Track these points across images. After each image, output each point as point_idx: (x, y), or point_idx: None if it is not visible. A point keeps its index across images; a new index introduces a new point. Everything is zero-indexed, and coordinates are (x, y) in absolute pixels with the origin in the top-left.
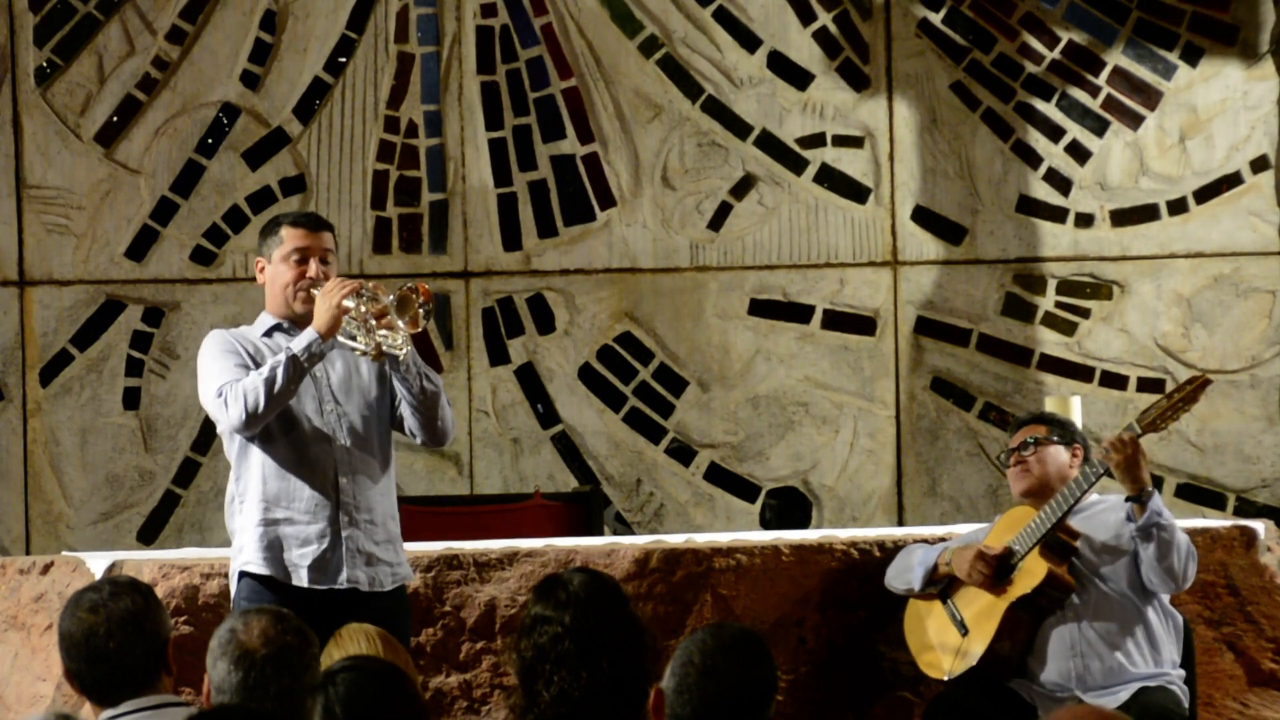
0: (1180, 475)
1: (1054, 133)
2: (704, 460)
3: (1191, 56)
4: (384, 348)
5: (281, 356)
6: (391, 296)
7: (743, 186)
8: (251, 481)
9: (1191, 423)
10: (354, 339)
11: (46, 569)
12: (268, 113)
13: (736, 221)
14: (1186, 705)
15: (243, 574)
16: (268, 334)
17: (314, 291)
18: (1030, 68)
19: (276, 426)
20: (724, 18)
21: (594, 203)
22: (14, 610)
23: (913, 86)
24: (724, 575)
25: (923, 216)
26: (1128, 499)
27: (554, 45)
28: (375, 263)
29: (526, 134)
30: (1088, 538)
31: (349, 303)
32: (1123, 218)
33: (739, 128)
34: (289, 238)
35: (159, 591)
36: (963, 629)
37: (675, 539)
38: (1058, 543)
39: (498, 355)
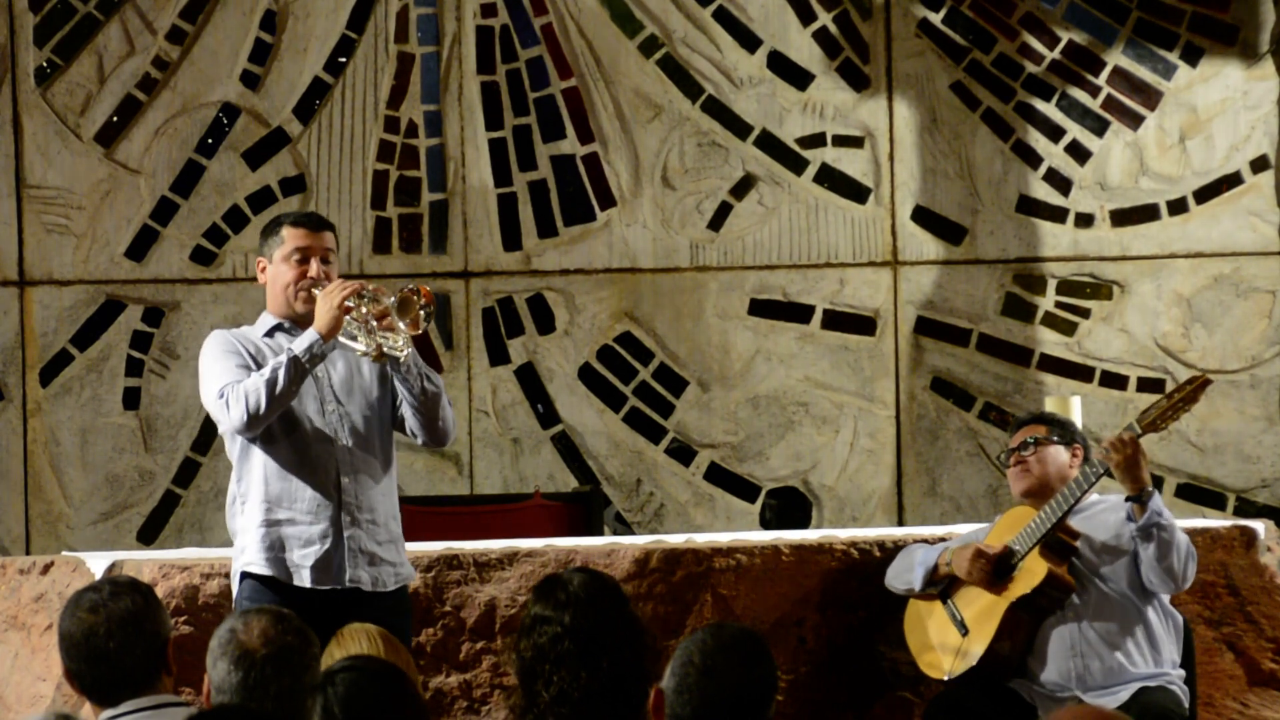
0: (1180, 475)
1: (1054, 133)
2: (704, 460)
3: (1191, 56)
4: (385, 349)
5: (283, 358)
6: (393, 298)
7: (743, 186)
8: (253, 482)
9: (1191, 423)
10: (355, 339)
11: (46, 569)
12: (268, 113)
13: (736, 221)
14: (1186, 705)
15: (245, 574)
16: (269, 334)
17: (315, 291)
18: (1030, 68)
19: (278, 427)
20: (724, 18)
21: (594, 203)
22: (14, 610)
23: (913, 86)
24: (724, 575)
25: (923, 216)
26: (1128, 499)
27: (554, 45)
28: (375, 263)
29: (526, 134)
30: (1088, 538)
31: (350, 304)
32: (1123, 218)
33: (739, 128)
34: (290, 237)
35: (159, 591)
36: (963, 629)
37: (675, 539)
38: (1058, 543)
39: (498, 355)
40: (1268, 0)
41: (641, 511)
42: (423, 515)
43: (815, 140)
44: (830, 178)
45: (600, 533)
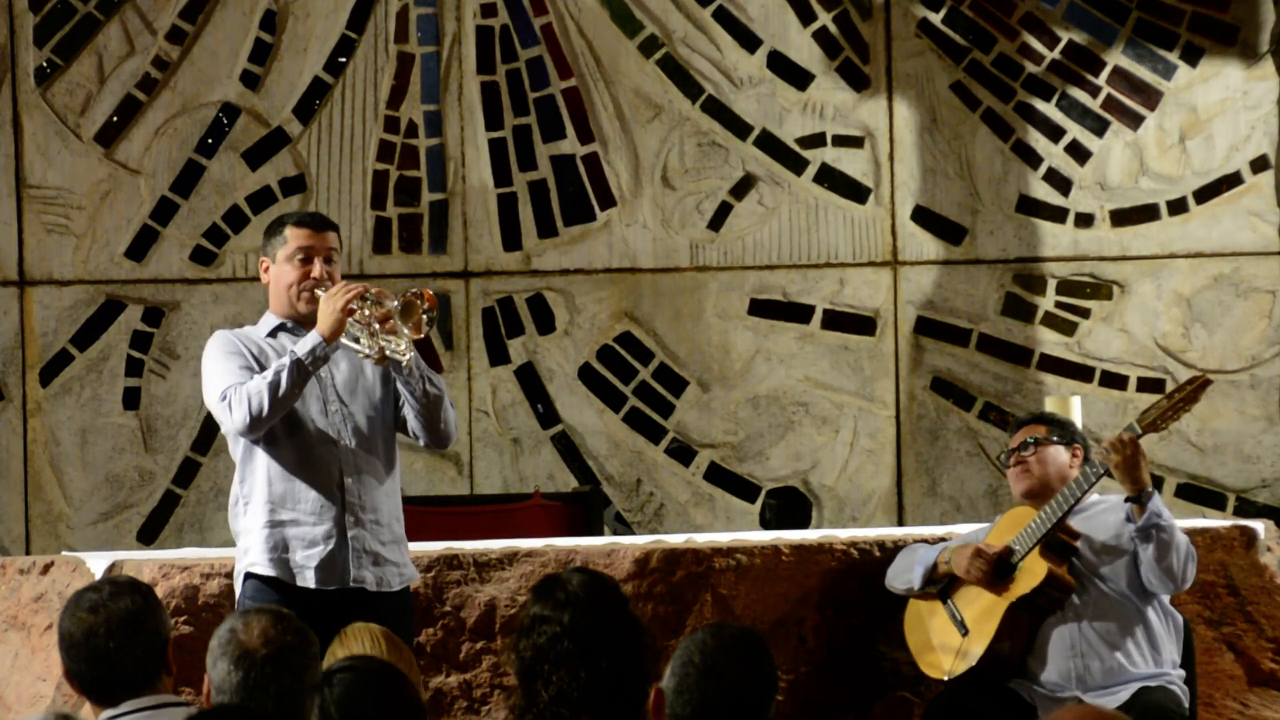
0: (1180, 475)
1: (1054, 133)
2: (704, 460)
3: (1191, 56)
4: (387, 352)
5: (285, 360)
6: (396, 302)
7: (743, 186)
8: (257, 483)
9: (1191, 423)
10: (357, 341)
11: (46, 569)
12: (268, 113)
13: (736, 221)
14: (1186, 705)
15: (248, 575)
16: (272, 334)
17: (318, 292)
18: (1030, 68)
19: (281, 428)
20: (724, 18)
21: (594, 203)
22: (14, 610)
23: (913, 86)
24: (724, 575)
25: (923, 216)
26: (1127, 499)
27: (554, 45)
28: (375, 263)
29: (526, 134)
30: (1088, 538)
31: (354, 306)
32: (1123, 218)
33: (739, 128)
34: (293, 237)
35: (159, 591)
36: (963, 629)
37: (675, 539)
38: (1058, 543)
39: (498, 355)
40: (1268, 0)
41: (641, 511)
42: (423, 515)
43: (815, 140)
44: (830, 178)
45: (600, 533)
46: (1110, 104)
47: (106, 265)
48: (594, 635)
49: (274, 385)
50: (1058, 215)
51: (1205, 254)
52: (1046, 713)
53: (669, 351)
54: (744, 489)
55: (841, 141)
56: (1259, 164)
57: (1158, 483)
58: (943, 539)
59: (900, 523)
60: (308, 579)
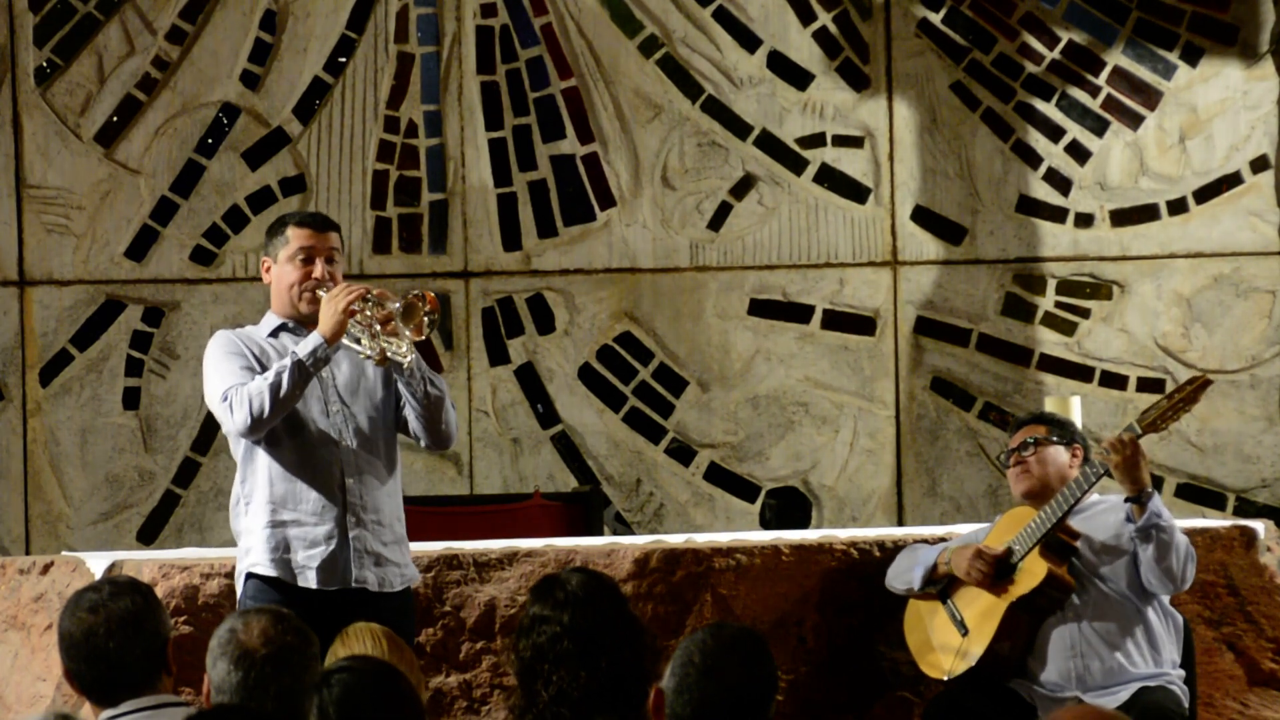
0: (1180, 475)
1: (1054, 133)
2: (704, 460)
3: (1191, 56)
4: (389, 353)
5: (287, 361)
6: (398, 304)
7: (743, 186)
8: (258, 483)
9: (1191, 423)
10: (359, 342)
11: (46, 569)
12: (268, 113)
13: (736, 221)
14: (1186, 705)
15: (249, 575)
16: (273, 334)
17: (320, 292)
18: (1030, 68)
19: (282, 429)
20: (724, 18)
21: (594, 203)
22: (14, 610)
23: (913, 86)
24: (724, 575)
25: (923, 216)
26: (1127, 499)
27: (554, 45)
28: (375, 263)
29: (526, 134)
30: (1088, 538)
31: (355, 308)
32: (1123, 218)
33: (739, 128)
34: (295, 237)
35: (159, 591)
36: (963, 629)
37: (675, 539)
38: (1058, 543)
39: (498, 355)
40: (1268, 0)
41: (641, 511)
42: (423, 515)
43: (815, 140)
44: (830, 178)
45: (600, 533)
46: (1110, 104)
47: (106, 265)
48: (594, 635)
49: (275, 386)
50: (1058, 215)
51: (1205, 254)
52: (1046, 713)
53: (669, 351)
54: (744, 489)
55: (841, 141)
56: (1259, 164)
57: (1158, 483)
58: (943, 539)
59: (900, 523)
60: (309, 579)
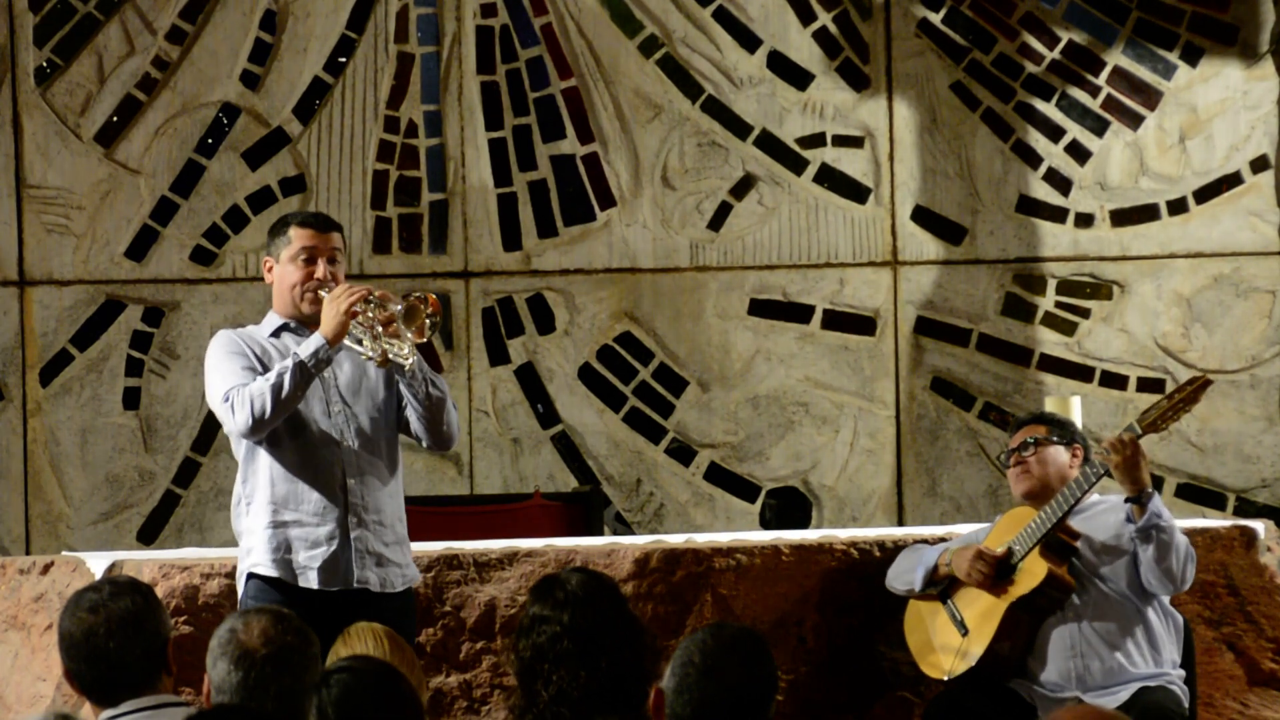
0: (1180, 475)
1: (1054, 133)
2: (704, 460)
3: (1191, 56)
4: (390, 355)
5: (289, 363)
6: (400, 306)
7: (743, 186)
8: (259, 484)
9: (1191, 423)
10: (360, 343)
11: (46, 569)
12: (268, 113)
13: (736, 221)
14: (1186, 705)
15: (250, 575)
16: (275, 334)
17: (322, 293)
18: (1030, 68)
19: (284, 430)
20: (724, 18)
21: (594, 203)
22: (14, 610)
23: (913, 86)
24: (724, 575)
25: (923, 216)
26: (1127, 500)
27: (554, 45)
28: (375, 263)
29: (526, 134)
30: (1088, 538)
31: (357, 309)
32: (1123, 218)
33: (739, 128)
34: (297, 238)
35: (159, 591)
36: (963, 629)
37: (675, 539)
38: (1058, 543)
39: (498, 355)
40: (1268, 0)
41: (641, 511)
42: (423, 515)
43: (815, 140)
44: (830, 178)
45: (600, 533)
46: (1110, 104)
47: (106, 265)
48: (594, 634)
49: (277, 387)
50: (1058, 215)
51: (1205, 254)
52: (1046, 713)
53: (669, 351)
54: (744, 489)
55: (841, 141)
56: (1259, 164)
57: (1158, 483)
58: (943, 539)
59: (900, 523)
60: (310, 580)
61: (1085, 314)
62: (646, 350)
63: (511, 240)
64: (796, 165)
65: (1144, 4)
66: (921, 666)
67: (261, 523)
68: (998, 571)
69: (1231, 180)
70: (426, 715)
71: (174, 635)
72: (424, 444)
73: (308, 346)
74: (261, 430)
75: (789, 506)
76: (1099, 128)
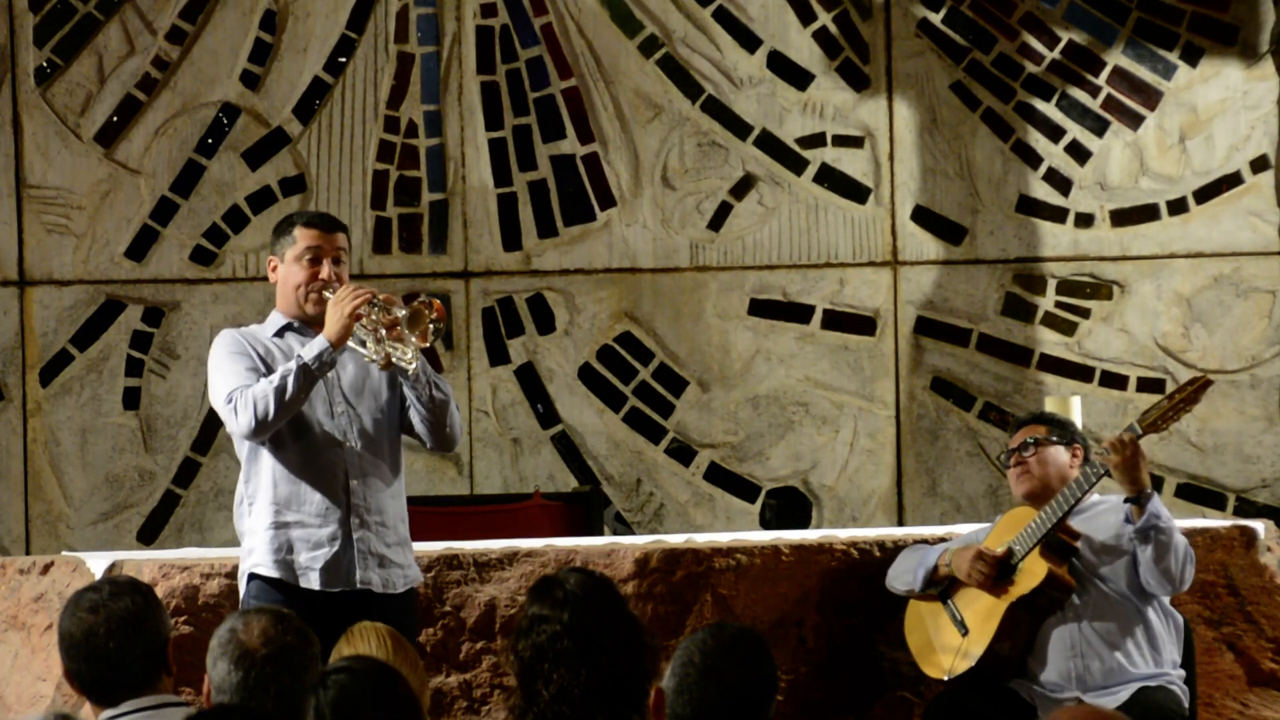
0: (1180, 475)
1: (1054, 133)
2: (704, 460)
3: (1191, 56)
4: (393, 359)
5: (292, 365)
6: (404, 310)
7: (743, 186)
8: (262, 484)
9: (1191, 423)
10: (363, 345)
11: (46, 569)
12: (268, 113)
13: (736, 221)
14: (1186, 705)
15: (252, 575)
16: (278, 334)
17: (326, 293)
18: (1030, 68)
19: (287, 431)
20: (724, 18)
21: (594, 203)
22: (14, 610)
23: (913, 86)
24: (724, 575)
25: (923, 216)
26: (1126, 500)
27: (554, 45)
28: (375, 263)
29: (526, 134)
30: (1088, 538)
31: (361, 312)
32: (1123, 218)
33: (739, 128)
34: (302, 237)
35: (159, 591)
36: (963, 629)
37: (675, 539)
38: (1058, 543)
39: (498, 355)
40: (1268, 0)
41: (641, 511)
42: (423, 515)
43: (815, 140)
44: (830, 178)
45: (600, 533)
46: (1110, 104)
47: (106, 265)
48: (594, 633)
49: (280, 390)
50: (1058, 215)
51: (1205, 254)
52: (1046, 713)
53: (669, 351)
54: (744, 489)
55: (841, 141)
56: (1259, 164)
57: (1158, 483)
58: (943, 539)
59: (900, 523)
60: (312, 580)
61: (1085, 314)
62: (646, 350)
63: (511, 240)
64: (796, 165)
65: (1144, 4)
66: (921, 666)
67: (264, 523)
68: (998, 572)
69: (1231, 180)
70: (427, 715)
71: (174, 635)
72: (427, 445)
73: (311, 349)
74: (264, 432)
75: (789, 506)
76: (1099, 128)
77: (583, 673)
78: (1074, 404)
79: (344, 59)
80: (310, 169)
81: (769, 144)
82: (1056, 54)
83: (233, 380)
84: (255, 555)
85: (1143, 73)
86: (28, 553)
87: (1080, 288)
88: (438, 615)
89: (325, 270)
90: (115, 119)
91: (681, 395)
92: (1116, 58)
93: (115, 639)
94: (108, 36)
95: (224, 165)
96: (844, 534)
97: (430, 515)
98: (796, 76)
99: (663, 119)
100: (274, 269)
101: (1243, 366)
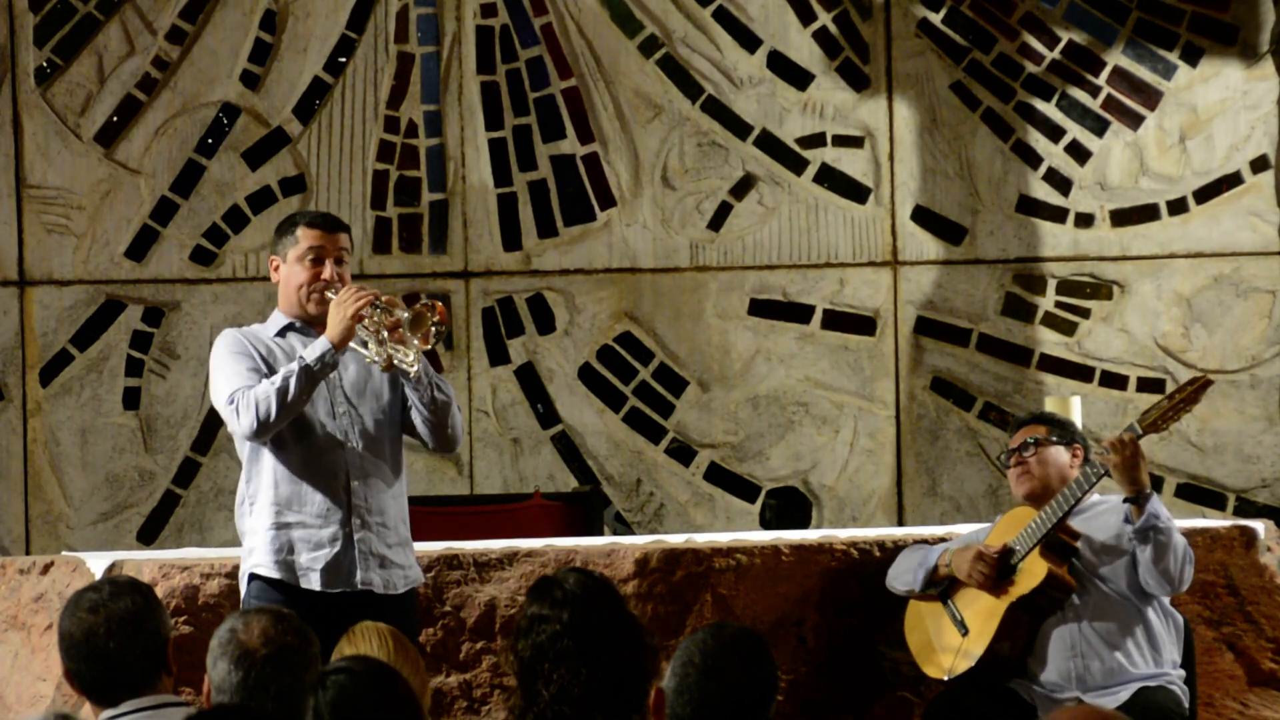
0: (1180, 475)
1: (1054, 133)
2: (704, 460)
3: (1191, 56)
4: (395, 361)
5: (294, 366)
6: (407, 313)
7: (743, 186)
8: (263, 484)
9: (1191, 423)
10: (365, 346)
11: (46, 569)
12: (268, 113)
13: (736, 221)
14: (1186, 705)
15: (253, 576)
16: (280, 334)
17: (328, 294)
18: (1030, 68)
19: (289, 432)
20: (724, 18)
21: (594, 203)
22: (14, 610)
23: (913, 86)
24: (724, 575)
25: (923, 216)
26: (1125, 500)
27: (554, 45)
28: (375, 263)
29: (526, 134)
30: (1088, 538)
31: (364, 313)
32: (1123, 218)
33: (739, 128)
34: (304, 238)
35: (159, 591)
36: (963, 629)
37: (675, 539)
38: (1058, 543)
39: (498, 355)
40: (1268, 0)
41: (641, 511)
42: (423, 515)
43: (815, 140)
44: (830, 178)
45: (600, 533)
46: (1110, 104)
47: (106, 265)
48: (593, 632)
49: (282, 391)
50: (1058, 215)
51: (1205, 254)
52: (1046, 713)
53: (669, 351)
54: (744, 489)
55: (841, 141)
56: (1259, 164)
57: (1158, 483)
58: (943, 539)
59: (900, 523)
60: (312, 581)
61: (1085, 314)
62: (646, 350)
63: (511, 240)
64: (796, 165)
65: (1144, 4)
66: (922, 666)
67: (264, 523)
68: (998, 572)
69: (1231, 180)
70: (428, 716)
71: (174, 635)
72: (428, 446)
73: (314, 350)
74: (266, 433)
75: (789, 506)
76: (1099, 128)
77: (583, 672)
78: (1074, 404)
79: (344, 59)
80: (310, 169)
81: (769, 144)
82: (1056, 54)
83: (234, 381)
84: (256, 555)
85: (1143, 73)
86: (28, 553)
87: (1080, 288)
88: (438, 615)
89: (328, 270)
90: (115, 119)
91: (681, 395)
92: (1116, 58)
93: (115, 639)
94: (108, 36)
95: (224, 165)
96: (844, 534)
97: (430, 515)
98: (796, 76)
99: (663, 119)
100: (276, 268)
101: (1243, 366)
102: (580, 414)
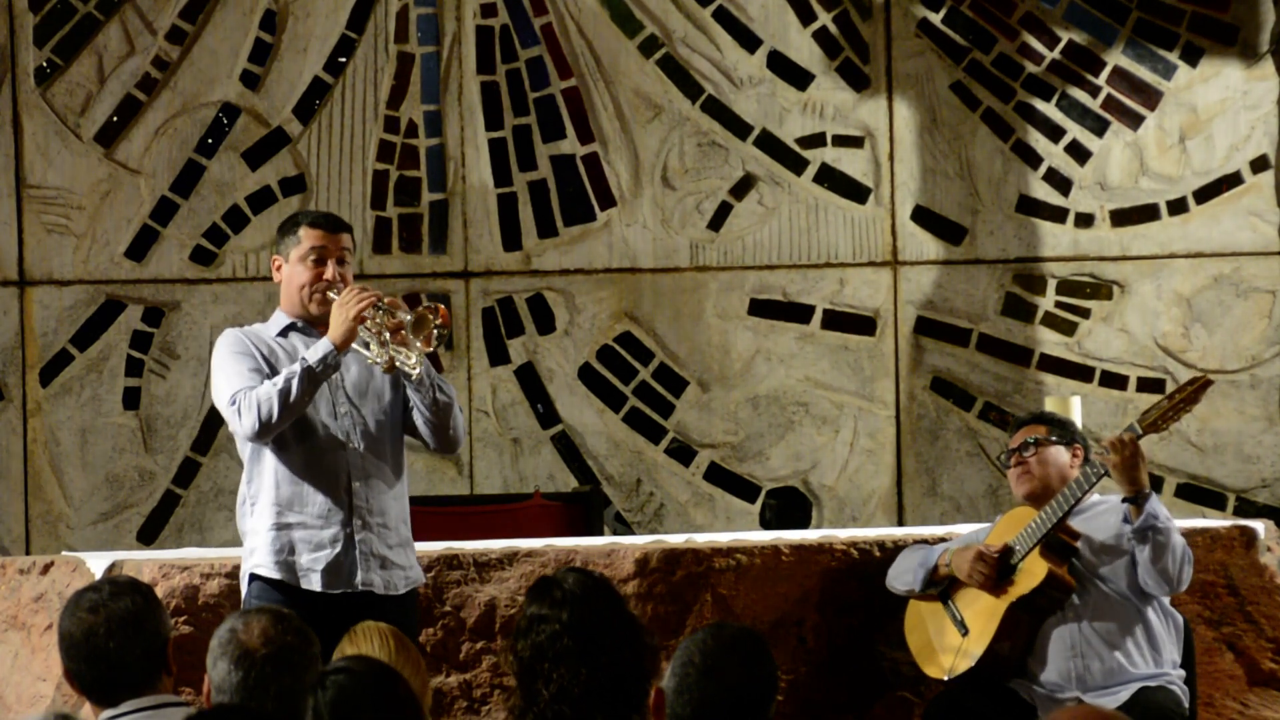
0: (1180, 475)
1: (1054, 133)
2: (704, 460)
3: (1191, 56)
4: (397, 363)
5: (296, 367)
6: (409, 315)
7: (743, 186)
8: (264, 485)
9: (1191, 423)
10: (367, 347)
11: (46, 569)
12: (268, 113)
13: (736, 221)
14: (1186, 705)
15: (254, 576)
16: (282, 334)
17: (330, 294)
18: (1030, 68)
19: (290, 432)
20: (724, 18)
21: (594, 203)
22: (14, 610)
23: (913, 86)
24: (724, 575)
25: (923, 216)
26: (1125, 500)
27: (554, 45)
28: (375, 263)
29: (526, 134)
30: (1088, 538)
31: (366, 314)
32: (1123, 218)
33: (739, 128)
34: (307, 238)
35: (159, 591)
36: (963, 629)
37: (675, 539)
38: (1058, 543)
39: (498, 355)
40: (1268, 0)
41: (641, 511)
42: (423, 515)
43: (815, 140)
44: (830, 178)
45: (600, 533)
46: (1110, 104)
47: (106, 265)
48: (593, 632)
49: (284, 392)
50: (1058, 215)
51: (1205, 254)
52: (1046, 713)
53: (669, 351)
54: (744, 489)
55: (841, 141)
56: (1259, 164)
57: (1158, 483)
58: (943, 539)
59: (900, 523)
60: (313, 582)
61: (1085, 314)
62: (646, 350)
63: (511, 240)
64: (796, 165)
65: (1144, 4)
66: (922, 666)
67: (265, 524)
68: (998, 572)
69: (1231, 180)
70: (428, 716)
71: (174, 635)
72: (430, 447)
73: (316, 351)
74: (268, 434)
75: (789, 506)
76: (1099, 128)
77: (582, 672)
78: (1074, 404)
79: (344, 59)
80: (310, 169)
81: (769, 144)
82: (1056, 54)
83: (236, 381)
84: (257, 556)
85: (1143, 73)
86: (28, 553)
87: (1080, 288)
88: (438, 615)
89: (330, 270)
90: (115, 119)
91: (681, 395)
92: (1116, 58)
93: (115, 639)
94: (108, 36)
95: (224, 165)
96: (844, 534)
97: (430, 515)
98: (796, 76)
99: (663, 119)
100: (278, 268)
101: (1243, 366)
102: (580, 414)
